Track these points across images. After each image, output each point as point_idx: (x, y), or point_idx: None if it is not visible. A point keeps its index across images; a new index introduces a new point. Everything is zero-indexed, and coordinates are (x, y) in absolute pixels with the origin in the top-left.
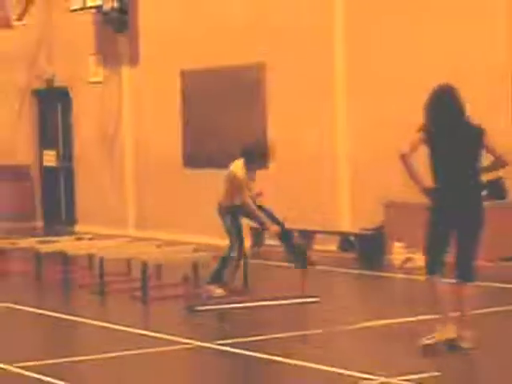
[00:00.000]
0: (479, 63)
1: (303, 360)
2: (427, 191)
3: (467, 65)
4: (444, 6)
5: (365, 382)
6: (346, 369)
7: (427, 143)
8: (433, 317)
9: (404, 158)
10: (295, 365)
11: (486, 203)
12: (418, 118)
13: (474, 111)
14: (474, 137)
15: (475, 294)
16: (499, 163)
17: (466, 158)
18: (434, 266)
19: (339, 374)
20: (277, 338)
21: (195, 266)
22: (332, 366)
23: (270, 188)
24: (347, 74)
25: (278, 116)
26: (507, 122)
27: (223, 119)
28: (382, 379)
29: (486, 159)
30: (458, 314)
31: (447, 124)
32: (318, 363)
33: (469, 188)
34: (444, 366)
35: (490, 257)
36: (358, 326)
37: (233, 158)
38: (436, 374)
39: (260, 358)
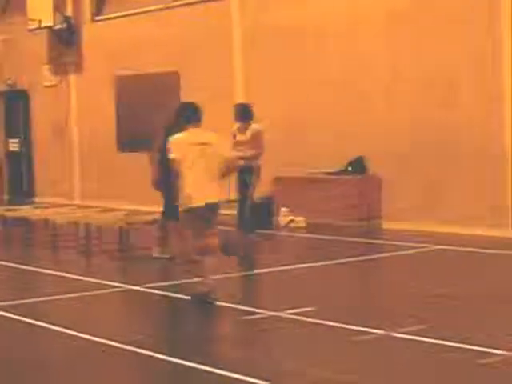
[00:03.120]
0: None
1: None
2: None
3: None
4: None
5: (253, 316)
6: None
7: None
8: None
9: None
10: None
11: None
12: (298, 114)
13: None
14: None
15: None
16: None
17: None
18: None
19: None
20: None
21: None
22: (233, 303)
23: None
24: (244, 85)
25: None
26: None
27: (147, 115)
28: (272, 313)
29: None
30: None
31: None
32: (232, 303)
33: None
34: (316, 301)
35: (353, 217)
36: (252, 272)
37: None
38: (311, 308)
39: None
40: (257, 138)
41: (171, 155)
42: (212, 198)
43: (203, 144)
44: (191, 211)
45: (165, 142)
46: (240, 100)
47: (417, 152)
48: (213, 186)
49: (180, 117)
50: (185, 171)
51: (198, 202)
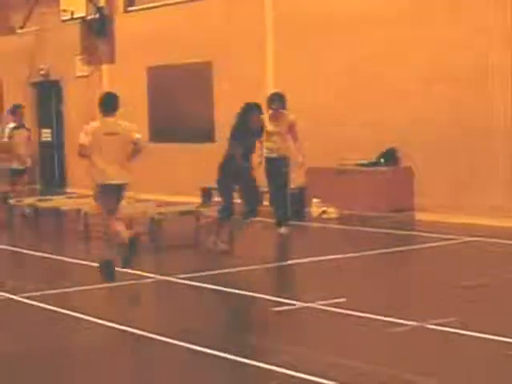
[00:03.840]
0: None
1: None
2: None
3: None
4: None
5: (286, 307)
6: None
7: None
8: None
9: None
10: (239, 294)
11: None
12: (330, 104)
13: None
14: None
15: None
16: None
17: None
18: None
19: (267, 299)
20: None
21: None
22: (265, 294)
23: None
24: (276, 75)
25: (222, 103)
26: None
27: (179, 106)
28: (304, 304)
29: None
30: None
31: None
32: (264, 293)
33: None
34: (348, 292)
35: (384, 208)
36: (285, 263)
37: (188, 135)
38: (343, 299)
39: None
40: (294, 129)
41: (82, 141)
42: (116, 180)
43: (113, 134)
44: (100, 189)
45: (231, 142)
46: (272, 89)
47: (449, 144)
48: (117, 169)
49: (242, 117)
50: (94, 156)
51: (105, 181)
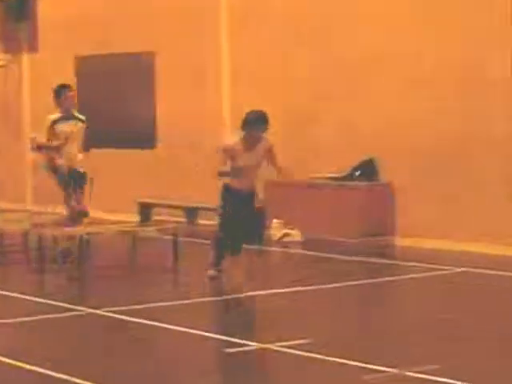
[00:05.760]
0: None
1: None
2: None
3: None
4: None
5: (240, 348)
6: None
7: None
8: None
9: None
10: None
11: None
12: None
13: None
14: None
15: None
16: None
17: None
18: None
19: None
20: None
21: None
22: (216, 333)
23: (158, 167)
24: (231, 61)
25: (165, 102)
26: None
27: (114, 103)
28: (259, 345)
29: None
30: None
31: None
32: (214, 332)
33: None
34: (314, 332)
35: (359, 231)
36: (242, 295)
37: (124, 139)
38: (307, 340)
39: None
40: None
41: None
42: None
43: None
44: None
45: None
46: (227, 83)
47: (438, 156)
48: None
49: None
50: None
51: None
